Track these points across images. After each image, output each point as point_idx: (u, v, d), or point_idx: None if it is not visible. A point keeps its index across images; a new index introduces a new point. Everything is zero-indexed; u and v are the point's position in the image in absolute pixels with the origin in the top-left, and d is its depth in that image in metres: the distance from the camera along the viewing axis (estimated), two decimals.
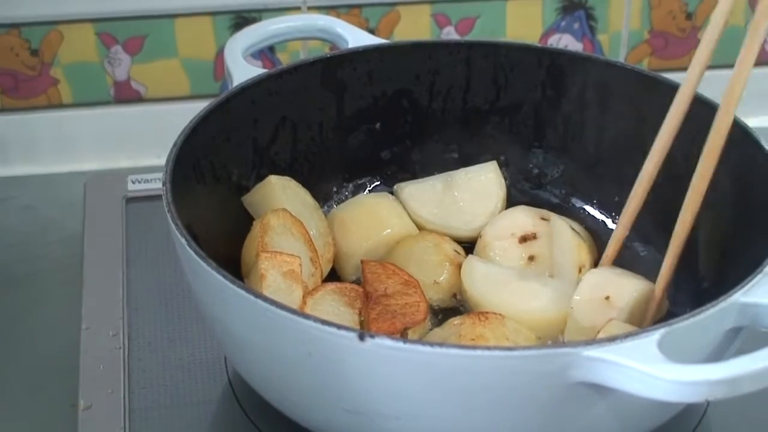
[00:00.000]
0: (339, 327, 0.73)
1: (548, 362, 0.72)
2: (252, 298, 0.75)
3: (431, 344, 0.72)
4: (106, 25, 1.23)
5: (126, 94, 1.27)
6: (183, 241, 0.80)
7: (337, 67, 1.03)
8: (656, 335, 0.72)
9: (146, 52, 1.25)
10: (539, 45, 1.07)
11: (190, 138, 0.90)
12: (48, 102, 1.26)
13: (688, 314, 0.74)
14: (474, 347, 0.73)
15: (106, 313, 1.00)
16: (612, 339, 0.71)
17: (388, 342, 0.72)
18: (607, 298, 0.91)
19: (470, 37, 1.27)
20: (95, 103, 1.27)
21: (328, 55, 1.03)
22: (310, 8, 1.23)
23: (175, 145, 0.89)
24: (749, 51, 0.82)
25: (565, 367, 0.71)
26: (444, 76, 1.05)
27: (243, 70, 1.00)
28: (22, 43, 1.22)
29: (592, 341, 0.72)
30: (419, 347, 0.72)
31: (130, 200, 1.14)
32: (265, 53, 1.26)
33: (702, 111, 0.94)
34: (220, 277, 0.77)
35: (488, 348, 0.73)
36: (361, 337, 0.72)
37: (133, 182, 1.16)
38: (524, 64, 1.05)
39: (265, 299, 0.75)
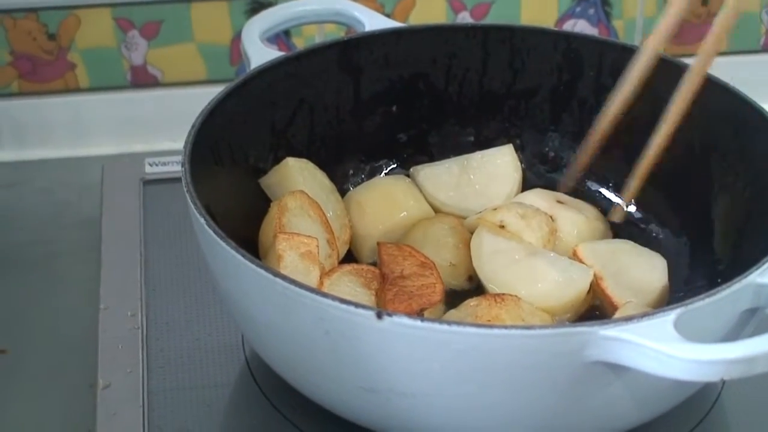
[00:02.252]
0: (357, 305, 0.73)
1: (565, 341, 0.72)
2: (271, 276, 0.76)
3: (448, 323, 0.72)
4: (123, 10, 1.23)
5: (142, 79, 1.28)
6: (202, 221, 0.80)
7: (354, 51, 1.03)
8: (672, 315, 0.72)
9: (163, 36, 1.25)
10: (555, 29, 1.07)
11: (208, 120, 0.91)
12: (65, 86, 1.27)
13: (704, 294, 0.74)
14: (491, 326, 0.73)
15: (125, 294, 1.00)
16: (629, 318, 0.72)
17: (405, 320, 0.72)
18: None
19: (485, 21, 1.27)
20: (112, 87, 1.28)
21: (345, 39, 1.04)
22: None
23: (193, 126, 0.89)
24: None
25: (581, 347, 0.72)
26: (460, 59, 1.06)
27: (261, 53, 1.00)
28: (39, 28, 1.23)
29: (608, 321, 0.72)
30: (436, 325, 0.72)
31: (148, 183, 1.14)
32: (281, 38, 1.26)
33: (718, 97, 0.96)
34: (239, 256, 0.77)
35: (505, 327, 0.73)
36: (379, 316, 0.72)
37: (150, 165, 1.17)
38: (540, 48, 1.05)
39: (284, 278, 0.75)
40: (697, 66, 0.91)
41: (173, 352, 0.95)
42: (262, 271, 0.76)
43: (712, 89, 0.96)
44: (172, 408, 0.90)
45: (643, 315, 0.72)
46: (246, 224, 0.95)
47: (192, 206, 0.82)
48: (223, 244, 0.78)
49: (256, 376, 0.92)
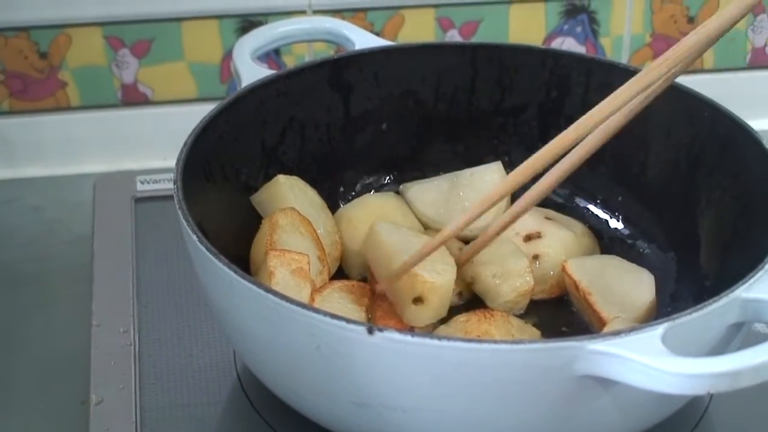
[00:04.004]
0: (348, 321, 0.74)
1: (553, 356, 0.73)
2: (262, 292, 0.76)
3: (438, 338, 0.73)
4: (113, 28, 1.24)
5: (133, 97, 1.28)
6: (194, 237, 0.81)
7: (344, 69, 1.04)
8: (660, 329, 0.73)
9: (153, 55, 1.26)
10: (543, 47, 1.08)
11: (200, 138, 0.91)
12: (56, 104, 1.27)
13: (691, 309, 0.75)
14: (481, 341, 0.74)
15: (117, 311, 1.01)
16: (616, 333, 0.72)
17: (396, 335, 0.73)
18: None
19: (474, 40, 1.28)
20: (103, 105, 1.28)
21: (336, 57, 1.04)
22: (315, 12, 1.24)
23: (185, 144, 0.90)
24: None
25: (570, 361, 0.72)
26: (449, 77, 1.06)
27: (252, 72, 1.01)
28: (30, 46, 1.23)
29: (596, 335, 0.73)
30: (427, 341, 0.73)
31: (139, 200, 1.15)
32: (272, 56, 1.27)
33: (705, 113, 0.96)
34: (231, 273, 0.78)
35: (494, 342, 0.74)
36: (370, 331, 0.73)
37: (141, 182, 1.17)
38: (528, 66, 1.06)
39: (275, 293, 0.76)
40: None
41: (165, 368, 0.95)
42: (254, 287, 0.77)
43: (699, 106, 0.97)
44: (165, 424, 0.90)
45: (631, 329, 0.73)
46: (237, 241, 0.95)
47: (184, 223, 0.82)
48: (216, 261, 0.79)
49: (248, 393, 0.92)
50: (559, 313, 0.98)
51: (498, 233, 0.95)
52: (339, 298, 0.92)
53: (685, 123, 0.97)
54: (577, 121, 0.84)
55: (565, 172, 0.91)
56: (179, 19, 1.24)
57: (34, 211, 1.23)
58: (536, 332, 0.92)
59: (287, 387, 0.84)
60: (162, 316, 1.01)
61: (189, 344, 0.98)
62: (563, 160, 0.90)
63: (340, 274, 1.00)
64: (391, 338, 0.73)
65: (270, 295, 0.76)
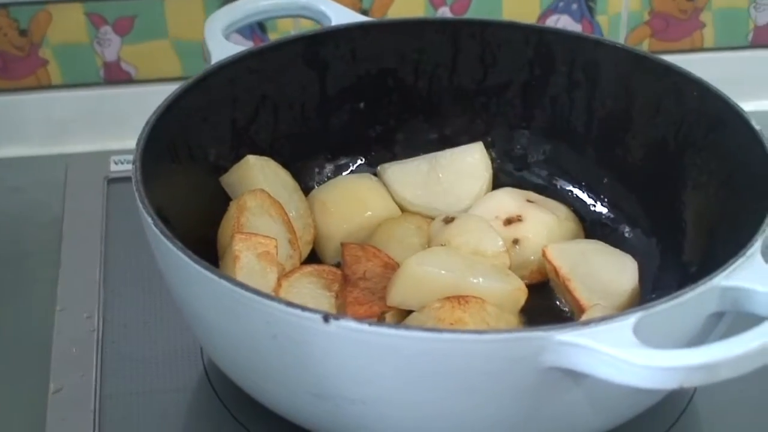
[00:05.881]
0: (303, 308, 0.71)
1: (519, 347, 0.70)
2: (216, 278, 0.73)
3: (396, 327, 0.71)
4: (95, 5, 1.21)
5: (116, 76, 1.25)
6: (149, 220, 0.79)
7: (319, 45, 1.01)
8: (632, 319, 0.70)
9: (136, 32, 1.23)
10: (527, 23, 1.04)
11: (163, 117, 0.89)
12: (37, 83, 1.24)
13: (666, 297, 0.72)
14: (440, 330, 0.71)
15: (82, 295, 0.98)
16: (586, 323, 0.70)
17: (352, 324, 0.70)
18: None
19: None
20: (85, 84, 1.25)
21: (311, 33, 1.01)
22: None
23: (147, 123, 0.88)
24: None
25: (536, 352, 0.69)
26: (430, 55, 1.03)
27: (222, 48, 0.98)
28: (10, 23, 1.21)
29: (565, 325, 0.70)
30: (384, 330, 0.70)
31: (112, 181, 1.12)
32: (257, 33, 1.24)
33: (694, 93, 0.93)
34: (185, 257, 0.75)
35: (454, 331, 0.71)
36: (326, 319, 0.70)
37: (116, 163, 1.15)
38: (512, 43, 1.02)
39: (229, 279, 0.73)
40: None
41: (129, 355, 0.93)
42: (208, 273, 0.74)
43: (688, 85, 0.94)
44: (125, 414, 0.88)
45: (601, 319, 0.70)
46: (205, 224, 0.93)
47: (140, 205, 0.80)
48: (170, 245, 0.76)
49: (214, 383, 0.90)
50: (541, 301, 0.95)
51: None
52: (308, 284, 0.89)
53: (672, 102, 0.95)
54: None
55: None
56: None
57: (12, 192, 1.20)
58: (513, 320, 0.88)
59: (246, 377, 0.81)
60: (129, 301, 0.98)
61: (155, 331, 0.95)
62: None
63: (314, 258, 0.97)
64: (347, 327, 0.70)
65: (224, 281, 0.73)
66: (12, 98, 1.25)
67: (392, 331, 0.70)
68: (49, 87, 1.25)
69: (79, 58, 1.24)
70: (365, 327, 0.70)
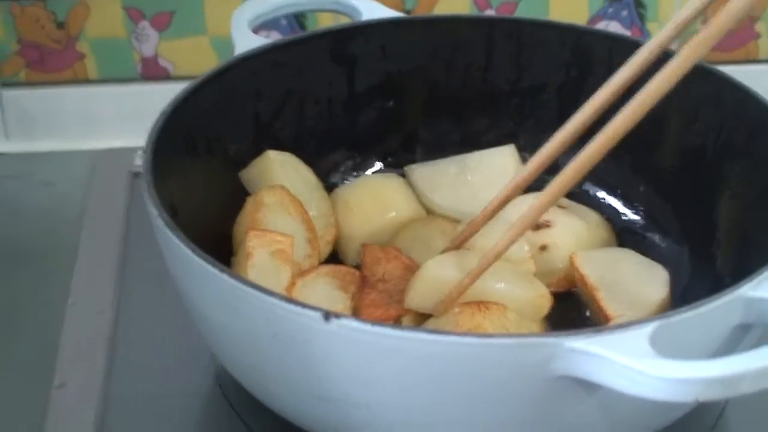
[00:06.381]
0: (303, 306, 0.68)
1: (527, 353, 0.66)
2: (216, 272, 0.71)
3: (398, 328, 0.67)
4: None
5: (153, 71, 1.24)
6: (154, 211, 0.76)
7: (348, 40, 0.99)
8: (648, 328, 0.66)
9: (174, 28, 1.22)
10: (564, 23, 1.01)
11: (180, 108, 0.87)
12: (74, 77, 1.23)
13: (686, 307, 0.68)
14: (445, 333, 0.67)
15: (96, 290, 0.96)
16: (599, 330, 0.66)
17: (354, 324, 0.67)
18: None
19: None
20: (122, 79, 1.24)
21: (339, 28, 0.99)
22: None
23: (162, 113, 0.86)
24: None
25: (546, 359, 0.66)
26: (463, 53, 1.01)
27: (247, 40, 0.96)
28: (47, 15, 1.20)
29: (577, 331, 0.66)
30: (387, 331, 0.67)
31: (137, 175, 1.10)
32: (295, 30, 1.21)
33: (735, 100, 0.90)
34: (186, 249, 0.72)
35: (460, 335, 0.68)
36: (326, 318, 0.67)
37: (140, 157, 1.12)
38: (548, 43, 1.00)
39: (230, 274, 0.70)
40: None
41: (138, 355, 0.90)
42: (208, 266, 0.71)
43: (730, 91, 0.91)
44: (129, 414, 0.85)
45: (616, 327, 0.66)
46: (224, 220, 0.91)
47: (146, 194, 0.78)
48: (171, 235, 0.74)
49: (225, 390, 0.87)
50: (570, 310, 0.92)
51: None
52: (323, 284, 0.87)
53: (712, 108, 0.91)
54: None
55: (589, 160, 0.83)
56: None
57: (45, 186, 1.19)
58: (535, 329, 0.85)
59: (250, 376, 0.79)
60: (144, 298, 0.96)
61: (168, 331, 0.92)
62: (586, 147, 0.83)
63: (335, 259, 0.95)
64: (348, 326, 0.67)
65: (224, 276, 0.70)
66: (48, 91, 1.24)
67: (394, 332, 0.66)
68: (86, 81, 1.24)
69: (117, 53, 1.23)
70: (367, 327, 0.66)
